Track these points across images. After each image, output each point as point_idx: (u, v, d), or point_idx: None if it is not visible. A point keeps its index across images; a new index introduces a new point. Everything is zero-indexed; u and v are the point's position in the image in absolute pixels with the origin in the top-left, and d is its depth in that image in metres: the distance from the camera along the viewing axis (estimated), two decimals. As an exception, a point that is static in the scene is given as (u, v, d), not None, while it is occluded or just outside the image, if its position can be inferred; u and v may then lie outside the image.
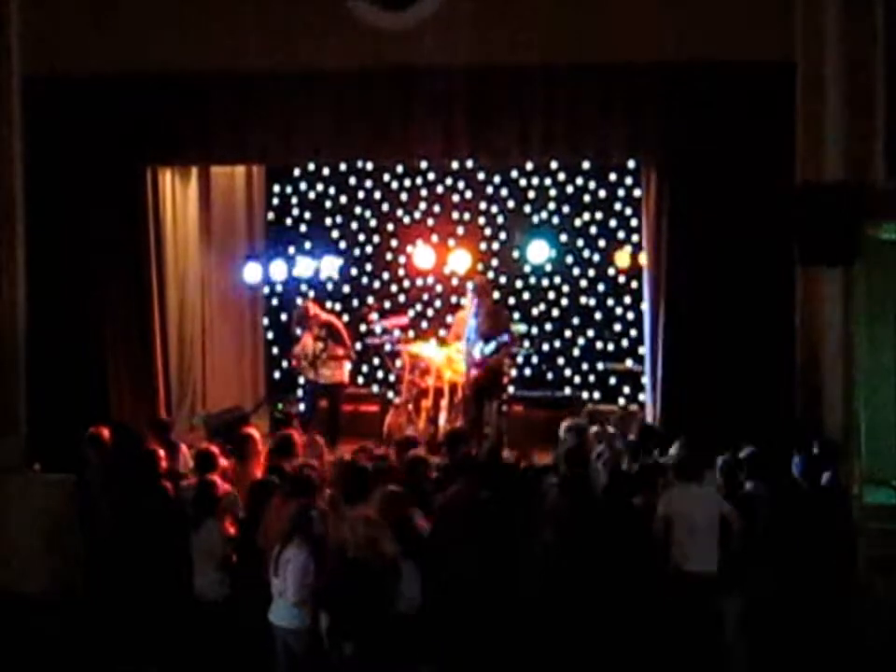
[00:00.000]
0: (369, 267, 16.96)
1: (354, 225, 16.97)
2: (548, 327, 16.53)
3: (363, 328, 16.31)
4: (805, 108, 12.56)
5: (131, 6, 13.40)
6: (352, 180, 16.80)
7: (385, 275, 16.92)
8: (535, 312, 16.52)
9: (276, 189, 16.98)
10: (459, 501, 9.87)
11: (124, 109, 13.47)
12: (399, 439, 12.35)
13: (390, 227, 16.88)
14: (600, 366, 16.32)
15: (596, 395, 16.12)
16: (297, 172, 16.84)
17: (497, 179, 16.51)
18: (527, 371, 16.45)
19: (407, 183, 16.77)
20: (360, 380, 16.69)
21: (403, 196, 16.82)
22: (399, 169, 16.50)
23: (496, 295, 15.64)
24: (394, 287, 16.90)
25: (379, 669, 9.12)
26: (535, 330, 16.37)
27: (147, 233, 13.91)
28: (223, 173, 15.71)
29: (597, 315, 16.46)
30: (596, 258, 16.35)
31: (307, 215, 17.06)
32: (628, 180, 15.91)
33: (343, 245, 16.93)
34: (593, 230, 16.40)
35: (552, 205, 16.43)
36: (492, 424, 14.02)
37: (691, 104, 12.83)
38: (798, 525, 9.72)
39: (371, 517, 9.19)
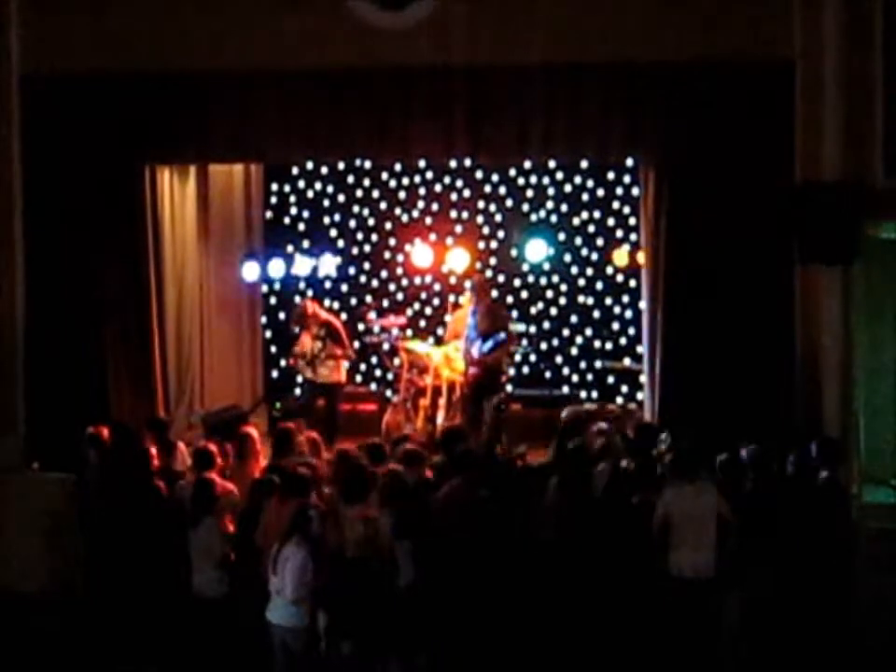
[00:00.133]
0: (367, 265, 16.94)
1: (352, 223, 16.93)
2: (546, 325, 16.53)
3: (361, 326, 16.30)
4: (805, 108, 12.58)
5: (129, 5, 13.38)
6: (350, 179, 16.77)
7: (384, 274, 16.90)
8: (533, 310, 16.51)
9: (275, 187, 16.95)
10: (457, 499, 9.88)
11: (123, 108, 13.45)
12: (396, 438, 12.36)
13: (388, 225, 16.85)
14: (598, 364, 16.32)
15: (594, 394, 16.13)
16: (295, 170, 16.80)
17: (495, 178, 16.50)
18: (525, 370, 16.44)
19: (405, 181, 16.75)
20: (358, 379, 16.68)
21: (401, 195, 16.80)
22: (398, 167, 16.47)
23: (494, 294, 15.63)
24: (392, 286, 16.88)
25: (375, 667, 9.15)
26: (533, 329, 16.37)
27: (146, 232, 13.90)
28: (221, 171, 15.69)
29: (596, 314, 16.45)
30: (595, 256, 16.34)
31: (305, 213, 17.02)
32: (626, 179, 15.90)
33: (341, 243, 16.90)
34: (591, 228, 16.39)
35: (550, 204, 16.41)
36: (486, 421, 14.00)
37: (690, 103, 12.83)
38: (797, 524, 9.72)
39: (369, 516, 9.19)
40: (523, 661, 9.45)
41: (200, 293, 15.50)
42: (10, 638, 10.53)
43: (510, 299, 16.42)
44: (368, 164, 15.96)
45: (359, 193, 16.87)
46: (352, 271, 16.90)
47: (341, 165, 16.27)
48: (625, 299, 16.20)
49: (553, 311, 16.56)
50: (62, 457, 11.87)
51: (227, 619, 9.79)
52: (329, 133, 13.45)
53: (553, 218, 16.41)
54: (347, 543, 9.27)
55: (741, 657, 9.69)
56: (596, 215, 16.35)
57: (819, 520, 9.81)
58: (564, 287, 16.49)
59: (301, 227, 17.01)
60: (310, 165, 16.41)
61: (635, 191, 15.27)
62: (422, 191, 16.74)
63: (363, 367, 16.72)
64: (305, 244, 16.83)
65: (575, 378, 16.46)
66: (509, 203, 16.56)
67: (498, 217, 16.64)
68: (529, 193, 16.48)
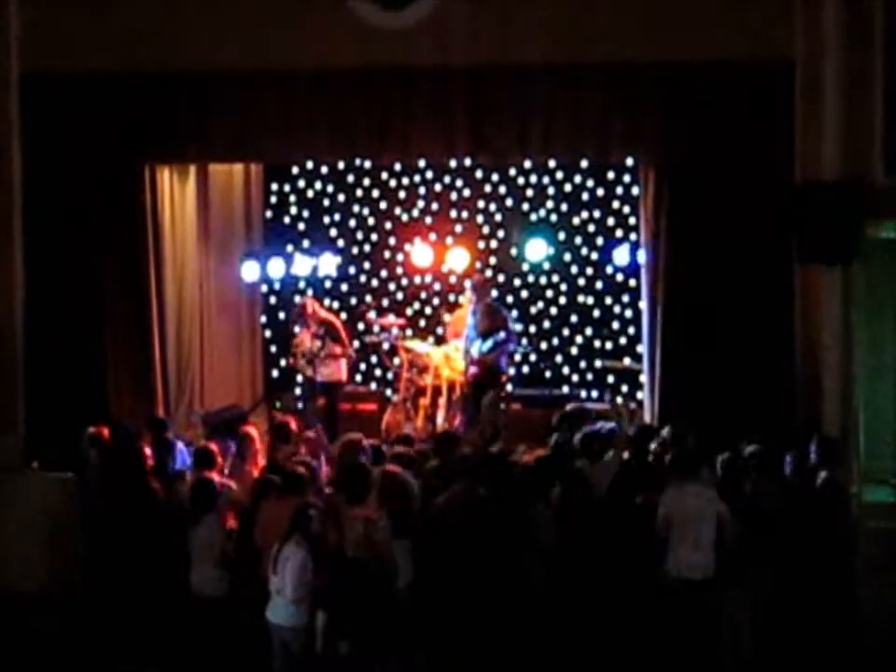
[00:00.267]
0: (367, 265, 16.95)
1: (352, 223, 16.96)
2: (546, 325, 16.54)
3: (361, 326, 16.30)
4: (804, 107, 12.58)
5: (130, 4, 13.37)
6: (350, 178, 16.79)
7: (384, 273, 16.92)
8: (533, 310, 16.54)
9: (274, 187, 16.97)
10: (458, 501, 9.87)
11: (123, 107, 13.44)
12: (395, 437, 12.36)
13: (388, 225, 16.88)
14: (598, 364, 16.32)
15: (594, 393, 16.15)
16: (295, 170, 16.82)
17: (495, 177, 16.52)
18: (525, 369, 16.45)
19: (405, 181, 16.77)
20: (359, 378, 16.68)
21: (401, 194, 16.82)
22: (398, 167, 16.48)
23: (494, 293, 15.63)
24: (392, 286, 16.89)
25: (374, 667, 9.14)
26: (533, 328, 16.38)
27: (146, 231, 13.89)
28: (221, 171, 15.71)
29: (595, 314, 16.46)
30: (594, 256, 16.35)
31: (305, 213, 17.04)
32: (626, 178, 15.91)
33: (341, 242, 16.92)
34: (591, 228, 16.40)
35: (550, 203, 16.43)
36: (483, 420, 14.01)
37: (690, 103, 12.83)
38: (798, 523, 9.72)
39: (370, 517, 9.19)
40: (523, 661, 9.44)
41: (200, 292, 15.51)
42: (10, 638, 10.54)
43: (510, 298, 16.42)
44: (368, 164, 15.96)
45: (359, 193, 16.89)
46: (352, 270, 16.92)
47: (341, 165, 16.27)
48: (625, 298, 16.21)
49: (553, 310, 16.58)
50: (62, 457, 11.86)
51: (227, 618, 9.78)
52: (330, 132, 13.44)
53: (553, 218, 16.42)
54: (347, 543, 9.26)
55: (741, 657, 9.69)
56: (596, 214, 16.36)
57: (820, 519, 9.81)
58: (564, 287, 16.51)
59: (301, 226, 17.03)
60: (310, 165, 16.41)
61: (635, 191, 15.26)
62: (422, 191, 16.76)
63: (363, 366, 16.72)
64: (305, 243, 16.85)
65: (575, 378, 16.46)
66: (509, 202, 16.58)
67: (498, 217, 16.66)
68: (529, 193, 16.50)
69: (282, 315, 16.68)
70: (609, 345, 16.40)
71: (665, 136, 12.98)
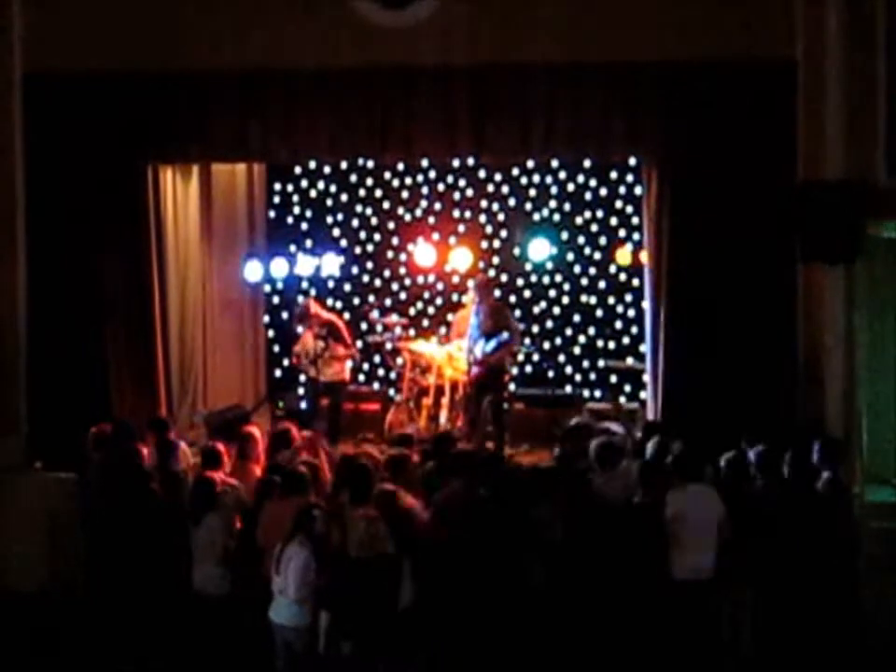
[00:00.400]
0: (370, 265, 16.95)
1: (355, 223, 16.96)
2: (549, 324, 16.54)
3: (364, 326, 16.30)
4: (807, 107, 12.55)
5: (131, 4, 13.38)
6: (353, 178, 16.79)
7: (387, 273, 16.92)
8: (536, 310, 16.53)
9: (277, 186, 16.97)
10: (457, 500, 9.88)
11: (125, 107, 13.43)
12: (395, 437, 12.35)
13: (391, 225, 16.87)
14: (601, 364, 16.32)
15: (597, 393, 16.15)
16: (298, 170, 16.82)
17: (498, 177, 16.50)
18: (528, 369, 16.45)
19: (408, 181, 16.77)
20: (361, 378, 16.69)
21: (404, 194, 16.82)
22: (401, 167, 16.48)
23: (497, 293, 15.63)
24: (395, 285, 16.89)
25: (377, 667, 9.15)
26: (536, 328, 16.38)
27: (148, 231, 13.87)
28: (224, 171, 15.70)
29: (598, 313, 16.46)
30: (597, 255, 16.35)
31: (308, 213, 17.05)
32: (629, 178, 15.90)
33: (344, 242, 16.92)
34: (594, 227, 16.40)
35: (553, 203, 16.43)
36: (480, 420, 14.01)
37: (692, 102, 12.80)
38: (800, 524, 9.71)
39: (372, 516, 9.19)
40: (524, 660, 9.44)
41: (203, 293, 15.49)
42: (10, 638, 10.56)
43: (513, 298, 16.42)
44: (371, 164, 15.96)
45: (362, 193, 16.89)
46: (355, 270, 16.92)
47: (343, 165, 16.28)
48: (628, 298, 16.21)
49: (556, 310, 16.57)
50: (64, 457, 11.89)
51: (229, 616, 9.80)
52: (332, 132, 13.42)
53: (556, 217, 16.42)
54: (350, 543, 9.26)
55: (741, 657, 9.69)
56: (599, 214, 16.35)
57: (822, 520, 9.80)
58: (567, 287, 16.50)
59: (304, 226, 17.05)
60: (313, 165, 16.41)
61: (637, 190, 15.23)
62: (425, 191, 16.75)
63: (366, 366, 16.72)
64: (308, 243, 16.86)
65: (578, 377, 16.46)
66: (511, 202, 16.57)
67: (501, 217, 16.64)
68: (532, 192, 16.49)
69: (285, 315, 16.68)
70: (611, 345, 16.39)
71: (665, 136, 12.95)
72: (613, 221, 16.27)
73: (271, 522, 9.78)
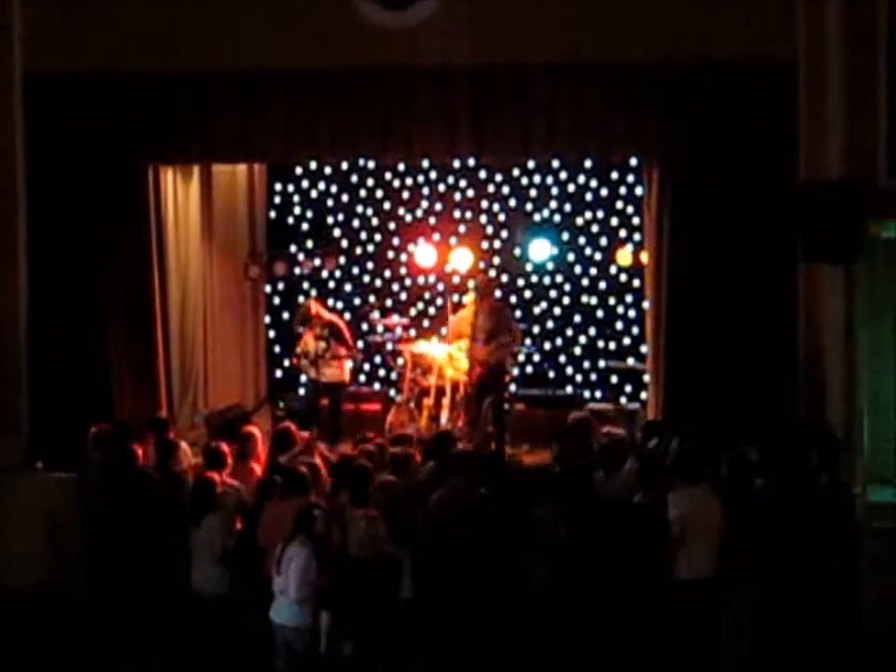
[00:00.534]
0: (370, 265, 16.95)
1: (355, 223, 16.96)
2: (549, 325, 16.54)
3: (365, 326, 16.30)
4: (808, 106, 12.54)
5: (132, 4, 13.38)
6: (354, 178, 16.80)
7: (387, 274, 16.92)
8: (536, 310, 16.53)
9: (278, 187, 16.97)
10: (456, 499, 9.88)
11: (126, 107, 13.43)
12: (395, 437, 12.34)
13: (392, 225, 16.87)
14: (602, 364, 16.31)
15: (598, 393, 16.15)
16: (298, 170, 16.83)
17: (498, 177, 16.51)
18: (529, 370, 16.45)
19: (409, 181, 16.77)
20: (362, 378, 16.69)
21: (405, 194, 16.82)
22: (401, 167, 16.48)
23: (497, 294, 15.63)
24: (396, 286, 16.89)
25: (378, 667, 9.14)
26: (536, 329, 16.37)
27: (149, 232, 13.87)
28: (225, 171, 15.71)
29: (599, 314, 16.45)
30: (598, 256, 16.35)
31: (309, 213, 17.05)
32: (630, 178, 15.91)
33: (344, 243, 16.92)
34: (594, 228, 16.40)
35: (553, 204, 16.43)
36: (481, 420, 14.00)
37: (693, 102, 12.81)
38: (802, 523, 9.70)
39: (373, 516, 9.19)
40: (524, 660, 9.44)
41: (203, 293, 15.51)
42: (10, 637, 10.56)
43: (513, 298, 16.42)
44: (371, 164, 15.97)
45: (363, 193, 16.89)
46: (355, 270, 16.91)
47: (344, 165, 16.29)
48: (629, 298, 16.21)
49: (557, 310, 16.57)
50: (65, 457, 11.88)
51: (228, 617, 9.80)
52: (332, 132, 13.42)
53: (557, 218, 16.42)
54: (350, 543, 9.26)
55: (741, 657, 9.69)
56: (600, 214, 16.36)
57: (822, 520, 9.79)
58: (567, 287, 16.51)
59: (305, 227, 17.03)
60: (313, 165, 16.42)
61: (638, 191, 15.25)
62: (425, 191, 16.75)
63: (367, 367, 16.72)
64: (309, 243, 16.85)
65: (578, 378, 16.46)
66: (512, 202, 16.58)
67: (502, 217, 16.65)
68: (533, 193, 16.50)
69: (285, 316, 16.68)
70: (612, 345, 16.39)
71: (666, 136, 12.96)
72: (614, 222, 16.28)
73: (272, 522, 9.78)
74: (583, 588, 9.53)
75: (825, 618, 9.67)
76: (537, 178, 16.41)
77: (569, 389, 16.25)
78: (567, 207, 16.40)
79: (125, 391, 13.83)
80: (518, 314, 15.96)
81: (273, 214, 16.98)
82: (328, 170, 16.74)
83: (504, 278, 16.48)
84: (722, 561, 9.63)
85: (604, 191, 16.29)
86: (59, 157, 13.54)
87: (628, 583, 9.51)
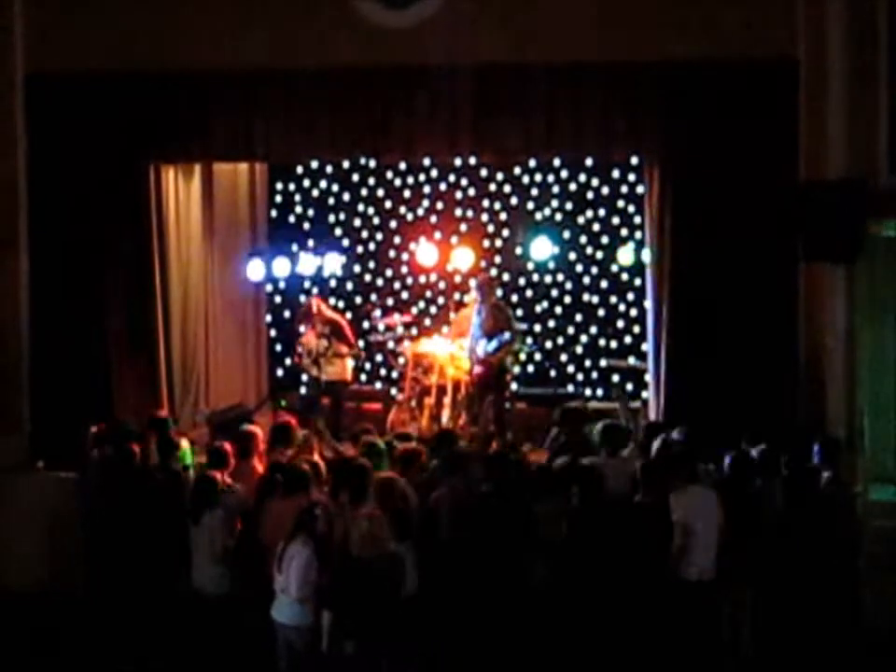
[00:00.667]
0: (372, 264, 16.97)
1: (357, 222, 16.97)
2: (551, 324, 16.53)
3: (366, 325, 16.31)
4: (808, 106, 12.54)
5: (132, 4, 13.39)
6: (355, 177, 16.81)
7: (388, 272, 16.93)
8: (538, 309, 16.53)
9: (279, 186, 16.99)
10: (457, 496, 9.89)
11: (127, 107, 13.44)
12: (395, 436, 12.35)
13: (393, 224, 16.88)
14: (603, 363, 16.31)
15: (599, 392, 16.15)
16: (300, 169, 16.85)
17: (499, 176, 16.51)
18: (530, 369, 16.45)
19: (410, 180, 16.78)
20: (363, 377, 16.69)
21: (406, 193, 16.83)
22: (402, 166, 16.48)
23: (499, 292, 15.62)
24: (397, 285, 16.90)
25: (380, 666, 9.15)
26: (538, 328, 16.37)
27: (150, 231, 13.89)
28: (226, 170, 15.71)
29: (600, 312, 16.45)
30: (599, 254, 16.34)
31: (310, 212, 17.07)
32: (631, 177, 15.90)
33: (346, 242, 16.93)
34: (596, 226, 16.39)
35: (554, 202, 16.42)
36: (482, 419, 14.00)
37: (693, 101, 12.79)
38: (802, 523, 9.71)
39: (374, 514, 9.19)
40: (524, 659, 9.45)
41: (205, 292, 15.49)
42: (10, 638, 10.57)
43: (514, 297, 16.41)
44: (373, 163, 15.96)
45: (364, 192, 16.91)
46: (357, 269, 16.93)
47: (345, 164, 16.29)
48: (630, 297, 16.20)
49: (558, 309, 16.56)
50: (66, 456, 11.90)
51: (229, 616, 9.81)
52: (333, 131, 13.43)
53: (558, 217, 16.40)
54: (352, 542, 9.26)
55: (741, 657, 9.69)
56: (601, 213, 16.35)
57: (823, 520, 9.80)
58: (569, 286, 16.50)
59: (306, 226, 17.06)
60: (315, 164, 16.43)
61: (639, 189, 15.22)
62: (427, 190, 16.76)
63: (368, 365, 16.72)
64: (310, 242, 16.86)
65: (580, 376, 16.46)
66: (513, 201, 16.58)
67: (503, 216, 16.65)
68: (534, 191, 16.49)
69: (287, 315, 16.69)
70: (613, 344, 16.39)
71: (667, 136, 12.95)
72: (615, 220, 16.26)
73: (273, 520, 9.78)
74: (583, 587, 9.53)
75: (825, 618, 9.67)
76: (538, 177, 16.41)
77: (571, 388, 16.24)
78: (569, 206, 16.39)
79: (126, 390, 13.83)
80: (519, 312, 15.95)
81: (274, 213, 17.00)
82: (329, 168, 16.75)
83: (505, 277, 16.49)
84: (722, 561, 9.64)
85: (605, 190, 16.28)
86: (60, 157, 13.57)
87: (628, 583, 9.51)
